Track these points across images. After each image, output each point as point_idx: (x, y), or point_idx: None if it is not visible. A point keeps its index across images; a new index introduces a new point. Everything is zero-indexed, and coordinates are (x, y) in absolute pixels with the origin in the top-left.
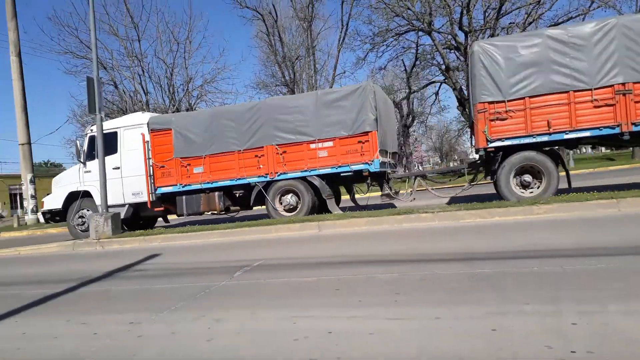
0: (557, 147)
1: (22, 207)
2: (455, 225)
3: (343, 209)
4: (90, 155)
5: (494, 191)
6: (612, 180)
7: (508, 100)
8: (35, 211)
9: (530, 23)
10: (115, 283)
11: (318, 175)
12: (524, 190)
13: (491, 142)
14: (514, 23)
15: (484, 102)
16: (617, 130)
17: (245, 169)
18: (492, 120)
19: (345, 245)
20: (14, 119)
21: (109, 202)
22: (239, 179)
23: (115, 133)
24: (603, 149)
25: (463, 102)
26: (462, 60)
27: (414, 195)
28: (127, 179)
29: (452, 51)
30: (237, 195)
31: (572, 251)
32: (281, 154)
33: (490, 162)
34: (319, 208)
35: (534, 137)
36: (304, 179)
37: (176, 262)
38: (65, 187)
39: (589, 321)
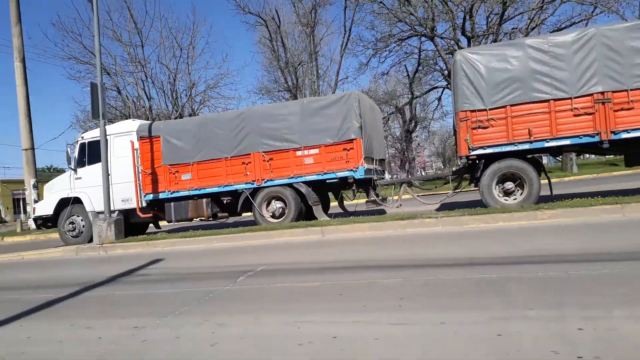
0: (539, 155)
1: (25, 212)
2: (459, 231)
3: (331, 215)
4: (81, 162)
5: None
6: (616, 185)
7: (490, 109)
8: None
9: (533, 28)
10: (119, 288)
11: (304, 182)
12: (507, 198)
13: (473, 150)
14: (516, 28)
15: (466, 111)
16: (596, 139)
17: (232, 176)
18: (474, 128)
19: (349, 250)
20: (18, 124)
21: (99, 209)
22: (227, 185)
23: (106, 140)
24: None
25: None
26: None
27: (400, 201)
28: (116, 185)
29: None
30: (225, 201)
31: (576, 256)
32: (268, 161)
33: (473, 169)
34: (306, 214)
35: (516, 145)
36: (290, 185)
37: (179, 266)
38: (56, 194)
39: (594, 326)
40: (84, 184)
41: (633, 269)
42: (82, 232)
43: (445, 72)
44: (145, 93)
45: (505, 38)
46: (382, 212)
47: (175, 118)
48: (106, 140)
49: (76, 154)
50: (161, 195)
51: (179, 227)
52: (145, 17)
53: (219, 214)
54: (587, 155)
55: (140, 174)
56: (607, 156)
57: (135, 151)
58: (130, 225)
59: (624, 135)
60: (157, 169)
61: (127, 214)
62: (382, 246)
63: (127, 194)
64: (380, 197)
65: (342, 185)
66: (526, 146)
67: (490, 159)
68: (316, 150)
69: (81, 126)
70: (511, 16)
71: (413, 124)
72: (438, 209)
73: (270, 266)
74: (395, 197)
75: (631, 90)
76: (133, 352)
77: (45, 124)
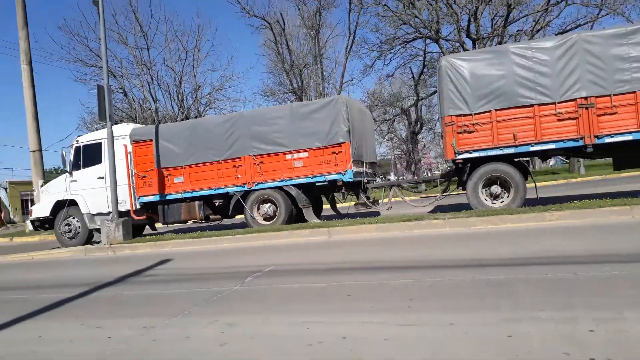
0: (526, 159)
1: None
2: (467, 232)
3: (322, 217)
4: (76, 165)
5: None
6: (624, 187)
7: (475, 114)
8: None
9: (538, 31)
10: (128, 288)
11: (294, 185)
12: (495, 201)
13: (459, 154)
14: (521, 30)
15: (451, 115)
16: (580, 143)
17: (224, 179)
18: (459, 132)
19: (356, 251)
20: (26, 126)
21: (94, 211)
22: (218, 188)
23: (100, 144)
24: None
25: None
26: None
27: (390, 204)
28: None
29: None
30: (217, 204)
31: (585, 258)
32: (258, 164)
33: (461, 173)
34: (297, 217)
35: (501, 149)
36: (280, 188)
37: (188, 267)
38: (52, 196)
39: (605, 328)
40: (79, 186)
41: None
42: (78, 233)
43: None
44: (151, 95)
45: (511, 40)
46: (376, 214)
47: (182, 120)
48: (113, 141)
49: (71, 157)
50: (154, 198)
51: (176, 229)
52: (151, 20)
53: (212, 217)
54: None
55: (133, 177)
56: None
57: (128, 155)
58: None
59: (608, 140)
60: (150, 172)
61: (122, 215)
62: (389, 247)
63: (121, 197)
64: (370, 200)
65: (331, 188)
66: (511, 150)
67: (477, 162)
68: (305, 154)
69: (88, 128)
70: (516, 18)
71: (419, 126)
72: (431, 211)
73: (278, 267)
74: (386, 200)
75: (614, 95)
76: (143, 351)
77: (52, 126)
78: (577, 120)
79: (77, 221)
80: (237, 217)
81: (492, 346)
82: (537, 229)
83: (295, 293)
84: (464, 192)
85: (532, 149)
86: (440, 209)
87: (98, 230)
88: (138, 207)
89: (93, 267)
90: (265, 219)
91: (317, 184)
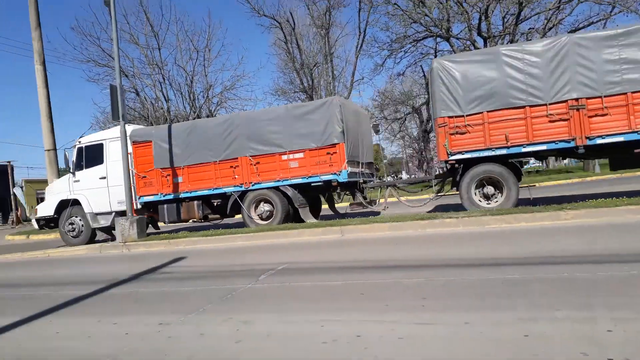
0: (519, 160)
1: None
2: (481, 231)
3: (321, 217)
4: (79, 165)
5: None
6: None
7: (467, 115)
8: None
9: (550, 28)
10: (143, 285)
11: (290, 185)
12: (489, 202)
13: (452, 155)
14: (533, 28)
15: (443, 117)
16: (572, 144)
17: (221, 179)
18: (452, 134)
19: (369, 250)
20: (40, 125)
21: (96, 210)
22: (216, 188)
23: (102, 145)
24: None
25: None
26: None
27: (386, 204)
28: (112, 188)
29: None
30: (216, 204)
31: (602, 257)
32: (255, 165)
33: (454, 173)
34: (294, 216)
35: (493, 150)
36: (277, 188)
37: (202, 264)
38: (56, 196)
39: (624, 328)
40: (82, 186)
41: None
42: (81, 231)
43: None
44: (163, 95)
45: (522, 38)
46: (376, 213)
47: (193, 119)
48: (126, 140)
49: (74, 157)
50: (154, 198)
51: (179, 228)
52: (162, 21)
53: (210, 216)
54: None
55: (134, 177)
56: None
57: (129, 155)
58: None
59: (599, 141)
60: (150, 172)
61: (123, 215)
62: (402, 246)
63: (122, 197)
64: (367, 200)
65: (326, 189)
66: (503, 151)
67: (469, 163)
68: (301, 155)
69: (101, 127)
70: (527, 16)
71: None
72: (430, 211)
73: (291, 265)
74: (382, 200)
75: (605, 96)
76: (159, 348)
77: (66, 125)
78: (569, 121)
79: (80, 220)
80: (237, 216)
81: (508, 346)
82: (552, 228)
83: (309, 291)
84: (457, 192)
85: (523, 150)
86: (440, 209)
87: (100, 229)
88: (139, 206)
89: (108, 264)
90: (262, 219)
91: (312, 184)
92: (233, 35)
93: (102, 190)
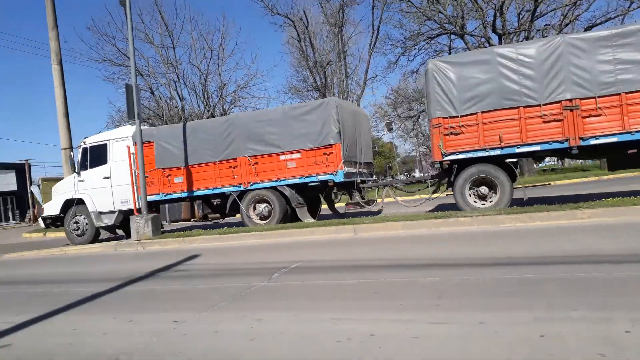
0: (514, 160)
1: None
2: (495, 230)
3: (320, 217)
4: (83, 165)
5: None
6: None
7: (461, 116)
8: None
9: (567, 25)
10: (158, 282)
11: (288, 185)
12: (484, 202)
13: (446, 156)
14: (549, 25)
15: (438, 118)
16: (565, 145)
17: (221, 179)
18: (446, 134)
19: (382, 248)
20: (57, 124)
21: (100, 209)
22: (216, 188)
23: (106, 145)
24: None
25: None
26: None
27: (382, 204)
28: (116, 187)
29: None
30: (215, 203)
31: (619, 257)
32: (253, 165)
33: (448, 174)
34: (292, 216)
35: (487, 151)
36: (275, 188)
37: (215, 262)
38: (62, 195)
39: None
40: (87, 186)
41: None
42: (86, 230)
43: None
44: (177, 94)
45: (538, 35)
46: (373, 213)
47: (207, 117)
48: (142, 139)
49: (79, 157)
50: (156, 197)
51: (179, 227)
52: (176, 20)
53: (210, 215)
54: None
55: (136, 177)
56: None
57: (131, 155)
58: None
59: (593, 142)
60: (151, 172)
61: (127, 214)
62: (416, 245)
63: (126, 196)
64: (364, 200)
65: (323, 188)
66: (497, 152)
67: (464, 164)
68: (298, 155)
69: (116, 125)
70: (543, 12)
71: None
72: (430, 211)
73: (305, 263)
74: (379, 200)
75: (598, 97)
76: (174, 345)
77: (82, 124)
78: (562, 122)
79: (85, 219)
80: (238, 215)
81: (524, 346)
82: (568, 227)
83: (323, 290)
84: (452, 192)
85: (517, 150)
86: (439, 209)
87: (104, 228)
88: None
89: (123, 262)
90: (260, 218)
91: (309, 184)
92: (247, 34)
93: (105, 190)
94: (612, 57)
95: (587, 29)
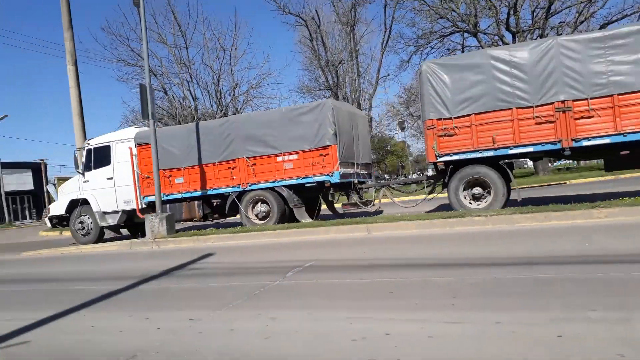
0: (509, 161)
1: None
2: (510, 229)
3: (317, 217)
4: (88, 166)
5: None
6: None
7: (455, 118)
8: None
9: (582, 22)
10: (173, 281)
11: (285, 186)
12: (480, 202)
13: (440, 157)
14: (564, 22)
15: (432, 119)
16: (558, 146)
17: (220, 180)
18: (440, 136)
19: (396, 247)
20: (72, 124)
21: (104, 210)
22: (215, 189)
23: (109, 146)
24: None
25: None
26: None
27: (379, 204)
28: (119, 188)
29: None
30: (215, 203)
31: (637, 257)
32: (251, 166)
33: (443, 175)
34: (290, 216)
35: (481, 152)
36: (272, 189)
37: (230, 261)
38: (67, 195)
39: None
40: (91, 186)
41: None
42: (91, 229)
43: None
44: (190, 93)
45: (553, 32)
46: (373, 212)
47: (220, 117)
48: (156, 139)
49: (83, 159)
50: None
51: (182, 227)
52: (189, 20)
53: (211, 215)
54: None
55: (138, 178)
56: None
57: (133, 157)
58: (136, 224)
59: (585, 143)
60: (153, 173)
61: (130, 214)
62: (430, 244)
63: (129, 196)
64: (362, 200)
65: (320, 189)
66: (490, 153)
67: (458, 165)
68: (295, 156)
69: (130, 125)
70: (558, 10)
71: None
72: (430, 211)
73: (318, 262)
74: (376, 201)
75: (591, 99)
76: (190, 343)
77: (97, 123)
78: (555, 123)
79: (89, 218)
80: (238, 215)
81: (541, 346)
82: (585, 226)
83: (337, 289)
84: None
85: (510, 152)
86: (437, 210)
87: (108, 227)
88: (143, 206)
89: (138, 260)
90: (259, 219)
91: (306, 185)
92: (259, 34)
93: (109, 191)
94: (604, 58)
95: (602, 27)
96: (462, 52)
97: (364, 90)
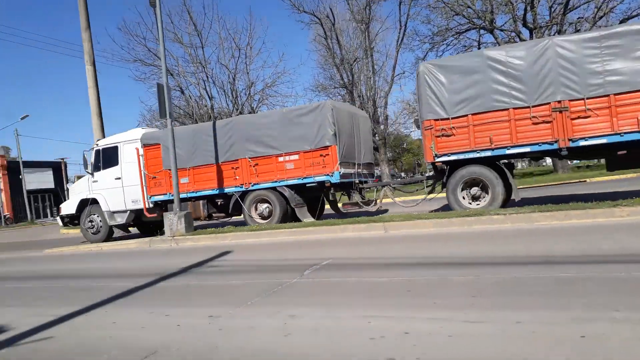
0: (508, 161)
1: None
2: (529, 228)
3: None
4: (97, 167)
5: None
6: None
7: (452, 118)
8: None
9: (601, 17)
10: (192, 278)
11: (287, 186)
12: (479, 202)
13: (438, 157)
14: (582, 18)
15: (430, 120)
16: (555, 146)
17: (223, 180)
18: (438, 136)
19: (414, 246)
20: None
21: (113, 209)
22: (219, 189)
23: (117, 147)
24: None
25: None
26: None
27: (380, 204)
28: (127, 188)
29: None
30: (220, 203)
31: None
32: (254, 166)
33: (441, 175)
34: (292, 216)
35: (478, 153)
36: (274, 189)
37: (248, 259)
38: (77, 195)
39: None
40: (100, 186)
41: None
42: (100, 228)
43: None
44: (206, 93)
45: (571, 28)
46: (368, 213)
47: (236, 116)
48: (174, 138)
49: (92, 159)
50: (163, 197)
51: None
52: (204, 20)
53: (215, 215)
54: None
55: (145, 178)
56: None
57: (140, 157)
58: (143, 223)
59: (582, 143)
60: (159, 173)
61: (138, 213)
62: (448, 242)
63: (136, 196)
64: (364, 200)
65: (321, 189)
66: (488, 153)
67: (456, 165)
68: (296, 157)
69: (147, 124)
70: (576, 5)
71: None
72: (432, 211)
73: (336, 260)
74: (378, 200)
75: (587, 99)
76: (210, 339)
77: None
78: (552, 123)
79: (98, 217)
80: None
81: (563, 346)
82: (606, 225)
83: (355, 287)
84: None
85: (507, 152)
86: (442, 209)
87: (117, 226)
88: (150, 205)
89: (158, 258)
90: (262, 218)
91: (307, 185)
92: (274, 33)
93: (117, 190)
94: (600, 58)
95: (622, 22)
96: (479, 49)
97: (380, 88)
